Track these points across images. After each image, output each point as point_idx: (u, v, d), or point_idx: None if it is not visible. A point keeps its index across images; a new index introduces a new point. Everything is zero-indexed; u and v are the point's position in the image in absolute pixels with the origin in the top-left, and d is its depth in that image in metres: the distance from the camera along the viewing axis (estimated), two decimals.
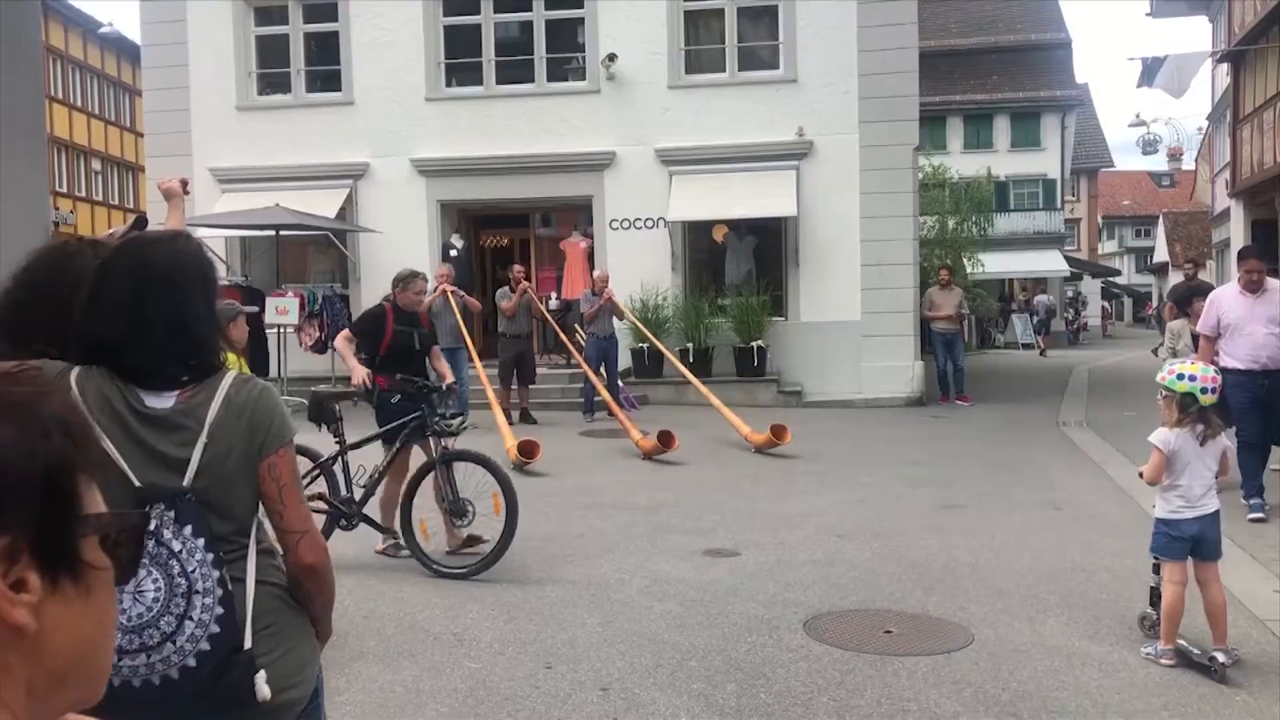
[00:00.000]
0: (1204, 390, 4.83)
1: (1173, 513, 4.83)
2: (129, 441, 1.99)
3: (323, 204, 15.91)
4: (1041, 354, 30.73)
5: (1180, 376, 4.88)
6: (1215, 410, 4.92)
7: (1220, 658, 4.63)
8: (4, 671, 0.75)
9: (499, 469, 6.45)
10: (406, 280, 7.15)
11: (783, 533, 7.39)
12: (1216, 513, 4.86)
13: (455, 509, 6.53)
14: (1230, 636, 4.88)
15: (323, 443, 6.72)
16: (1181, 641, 4.82)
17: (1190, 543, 4.81)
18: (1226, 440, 5.00)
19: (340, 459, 6.63)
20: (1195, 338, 8.25)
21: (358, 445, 6.71)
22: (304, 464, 6.32)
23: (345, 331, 7.17)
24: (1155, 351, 12.24)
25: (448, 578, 6.27)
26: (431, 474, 6.58)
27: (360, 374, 6.76)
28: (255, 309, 12.15)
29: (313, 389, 6.95)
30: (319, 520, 6.44)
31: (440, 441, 6.56)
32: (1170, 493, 4.85)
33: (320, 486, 6.67)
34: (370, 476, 6.70)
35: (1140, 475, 5.15)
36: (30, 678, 0.77)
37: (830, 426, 12.99)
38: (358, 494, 6.66)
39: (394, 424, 6.69)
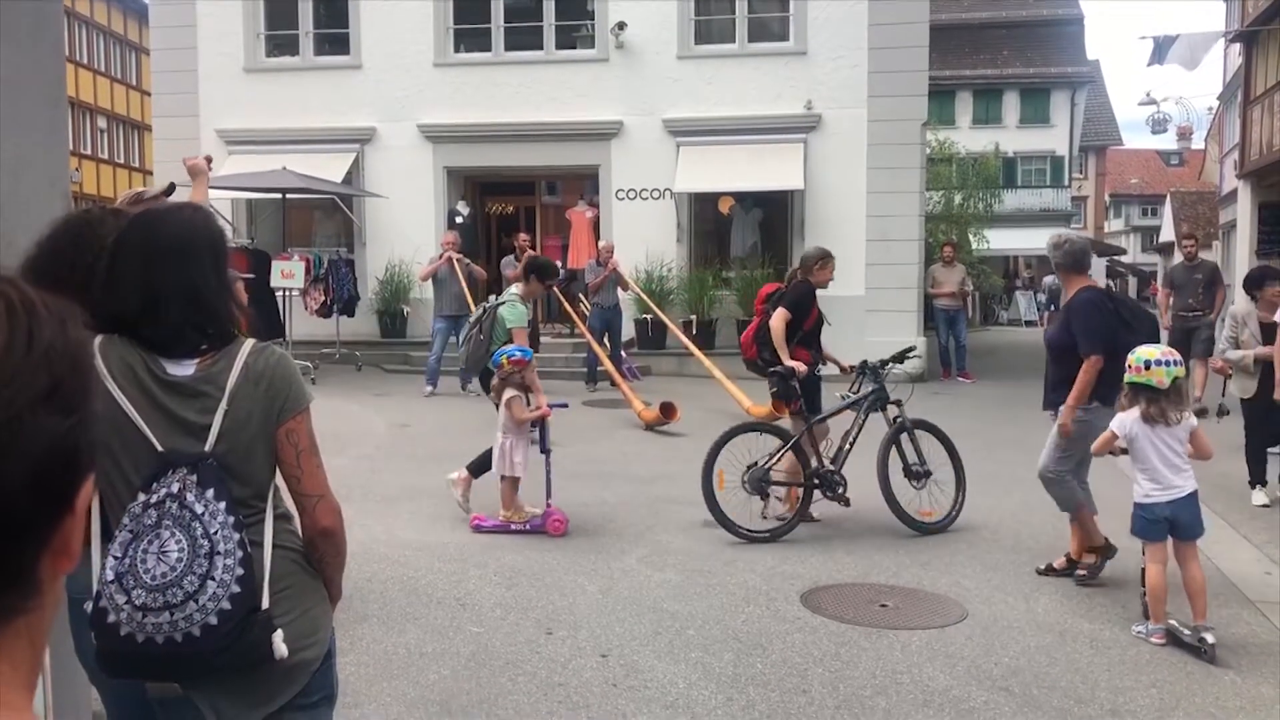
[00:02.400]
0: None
1: (1145, 496, 4.95)
2: (152, 408, 2.05)
3: (329, 168, 15.88)
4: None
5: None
6: (1161, 391, 4.92)
7: (1209, 638, 4.71)
8: (40, 623, 0.79)
9: (947, 436, 7.12)
10: (825, 259, 7.35)
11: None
12: (1192, 495, 4.93)
13: (918, 472, 6.93)
14: (1221, 617, 4.96)
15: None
16: (1172, 621, 4.90)
17: (1166, 524, 4.90)
18: (1194, 420, 5.04)
19: (809, 433, 6.90)
20: (1266, 327, 7.61)
21: (824, 418, 7.07)
22: (775, 443, 6.72)
23: (783, 311, 7.08)
24: (1207, 339, 11.58)
25: (929, 533, 6.74)
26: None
27: (802, 368, 6.96)
28: (250, 276, 12.15)
29: (773, 368, 7.07)
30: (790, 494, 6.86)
31: (898, 412, 7.03)
32: (1141, 477, 4.97)
33: (791, 463, 6.91)
34: (840, 448, 7.02)
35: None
36: (45, 628, 0.81)
37: (832, 401, 13.02)
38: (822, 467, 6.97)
39: (858, 397, 7.07)
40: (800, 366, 6.95)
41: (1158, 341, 5.60)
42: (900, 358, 7.16)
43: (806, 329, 7.19)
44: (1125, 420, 4.99)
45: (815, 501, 6.91)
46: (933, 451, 7.09)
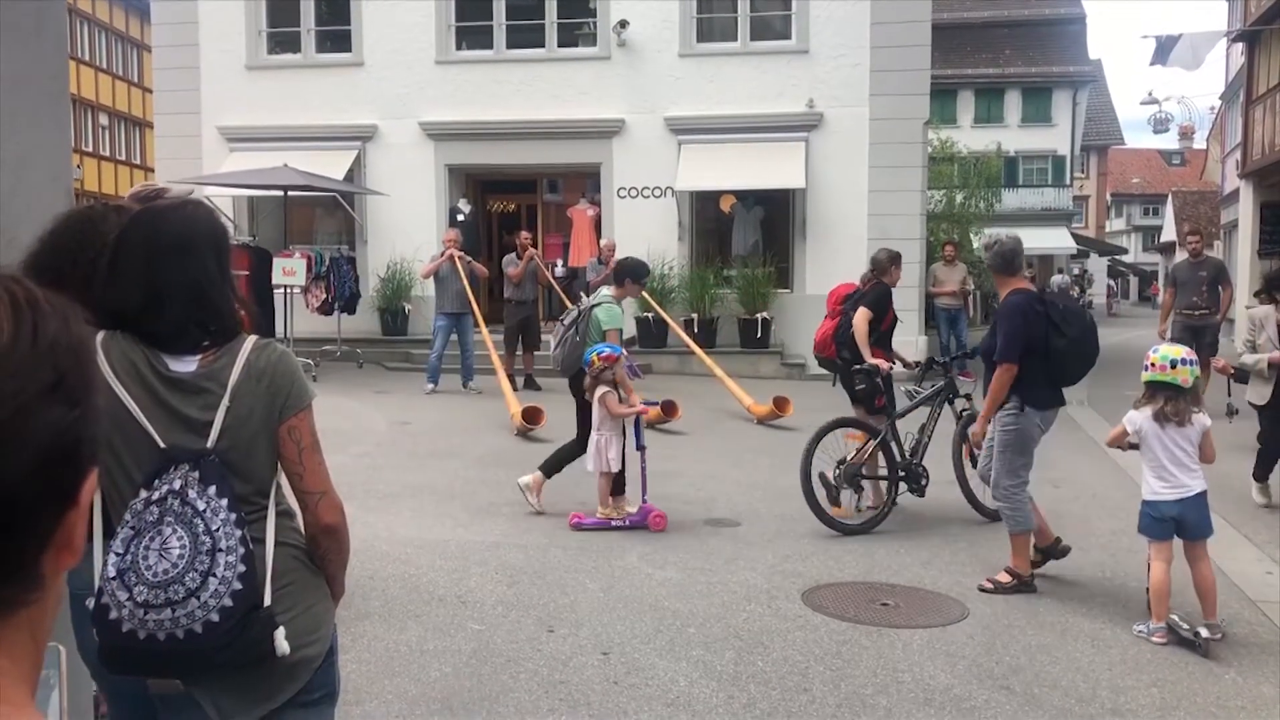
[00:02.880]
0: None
1: (1153, 494, 4.95)
2: (154, 404, 2.05)
3: (331, 165, 15.88)
4: None
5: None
6: (1183, 390, 4.92)
7: (1204, 633, 4.72)
8: (42, 618, 0.79)
9: None
10: (897, 261, 7.62)
11: (782, 504, 7.45)
12: (1200, 495, 4.92)
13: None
14: (1223, 617, 4.96)
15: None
16: (1174, 618, 4.90)
17: (1173, 523, 4.90)
18: (1208, 421, 5.03)
19: (892, 428, 7.11)
20: None
21: (904, 413, 7.24)
22: (859, 439, 6.94)
23: (866, 310, 7.23)
24: (1212, 342, 11.38)
25: (997, 521, 6.60)
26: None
27: (886, 365, 7.19)
28: (245, 274, 12.14)
29: (856, 366, 7.16)
30: (880, 489, 7.06)
31: (967, 405, 7.31)
32: (1149, 474, 4.98)
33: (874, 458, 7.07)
34: (920, 441, 7.21)
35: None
36: (46, 624, 0.81)
37: (832, 400, 12.97)
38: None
39: (931, 391, 7.27)
40: (884, 364, 7.14)
41: (1092, 342, 5.64)
42: (973, 353, 7.33)
43: (883, 329, 7.37)
44: (1136, 418, 4.98)
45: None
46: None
